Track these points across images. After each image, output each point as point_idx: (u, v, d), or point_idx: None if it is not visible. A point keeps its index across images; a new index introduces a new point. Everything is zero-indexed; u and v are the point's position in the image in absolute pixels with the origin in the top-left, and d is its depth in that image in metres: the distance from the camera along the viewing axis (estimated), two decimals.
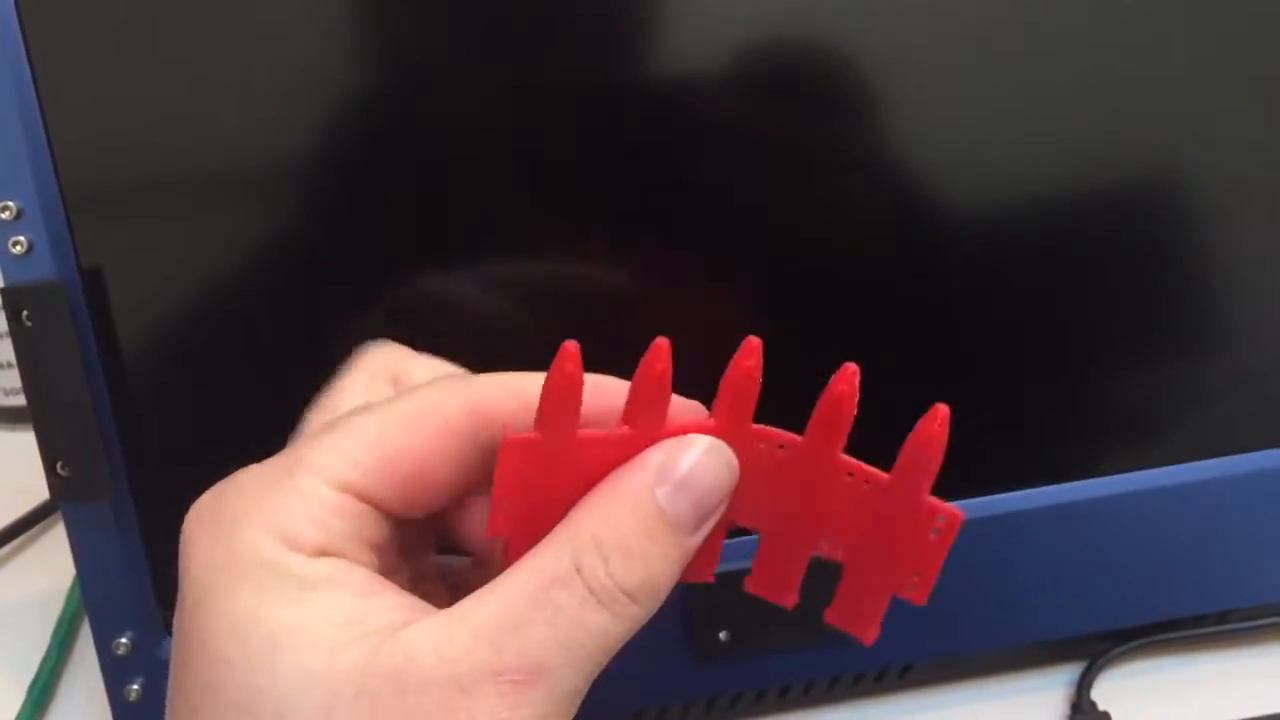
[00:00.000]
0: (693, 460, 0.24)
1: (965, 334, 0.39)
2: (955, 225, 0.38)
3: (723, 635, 0.39)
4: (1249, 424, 0.41)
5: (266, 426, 0.36)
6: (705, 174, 0.36)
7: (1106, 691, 0.42)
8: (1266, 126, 0.39)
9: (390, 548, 0.26)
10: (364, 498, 0.24)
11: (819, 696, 0.42)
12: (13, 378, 0.64)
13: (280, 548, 0.23)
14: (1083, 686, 0.42)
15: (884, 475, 0.25)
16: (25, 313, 0.34)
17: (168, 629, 0.37)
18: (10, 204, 0.34)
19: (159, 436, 0.36)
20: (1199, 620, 0.43)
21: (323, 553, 0.24)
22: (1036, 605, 0.41)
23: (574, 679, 0.23)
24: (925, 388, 0.39)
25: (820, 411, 0.25)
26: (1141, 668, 0.43)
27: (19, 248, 0.34)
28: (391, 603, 0.24)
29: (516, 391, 0.25)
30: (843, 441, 0.26)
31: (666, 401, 0.25)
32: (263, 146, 0.35)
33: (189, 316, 0.36)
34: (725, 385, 0.25)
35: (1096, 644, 0.43)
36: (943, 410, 0.25)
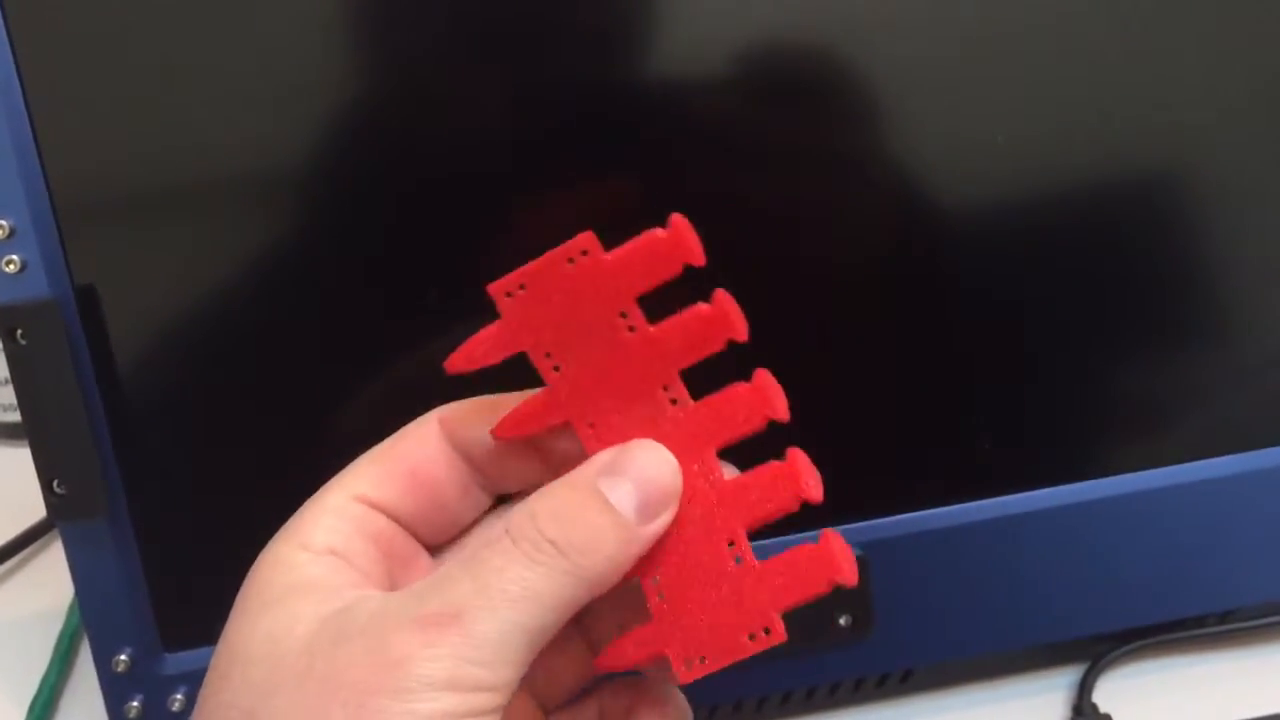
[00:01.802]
0: (634, 454, 0.26)
1: (966, 335, 0.39)
2: (955, 225, 0.38)
3: None
4: (1250, 423, 0.41)
5: (264, 441, 0.37)
6: (705, 176, 0.36)
7: (1108, 693, 0.42)
8: (1269, 122, 0.39)
9: (405, 549, 0.28)
10: (375, 505, 0.27)
11: (821, 702, 0.42)
12: (7, 394, 0.64)
13: (296, 551, 0.26)
14: (1084, 688, 0.42)
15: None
16: (19, 331, 0.34)
17: (166, 646, 0.37)
18: (3, 223, 0.34)
19: (155, 453, 0.36)
20: (1201, 620, 0.43)
21: (330, 552, 0.26)
22: (1037, 607, 0.41)
23: (491, 621, 0.24)
24: (926, 389, 0.40)
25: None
26: (1143, 669, 0.43)
27: (12, 266, 0.34)
28: (369, 590, 0.26)
29: (475, 401, 0.28)
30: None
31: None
32: (258, 159, 0.35)
33: (184, 332, 0.36)
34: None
35: (1098, 645, 0.43)
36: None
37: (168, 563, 0.37)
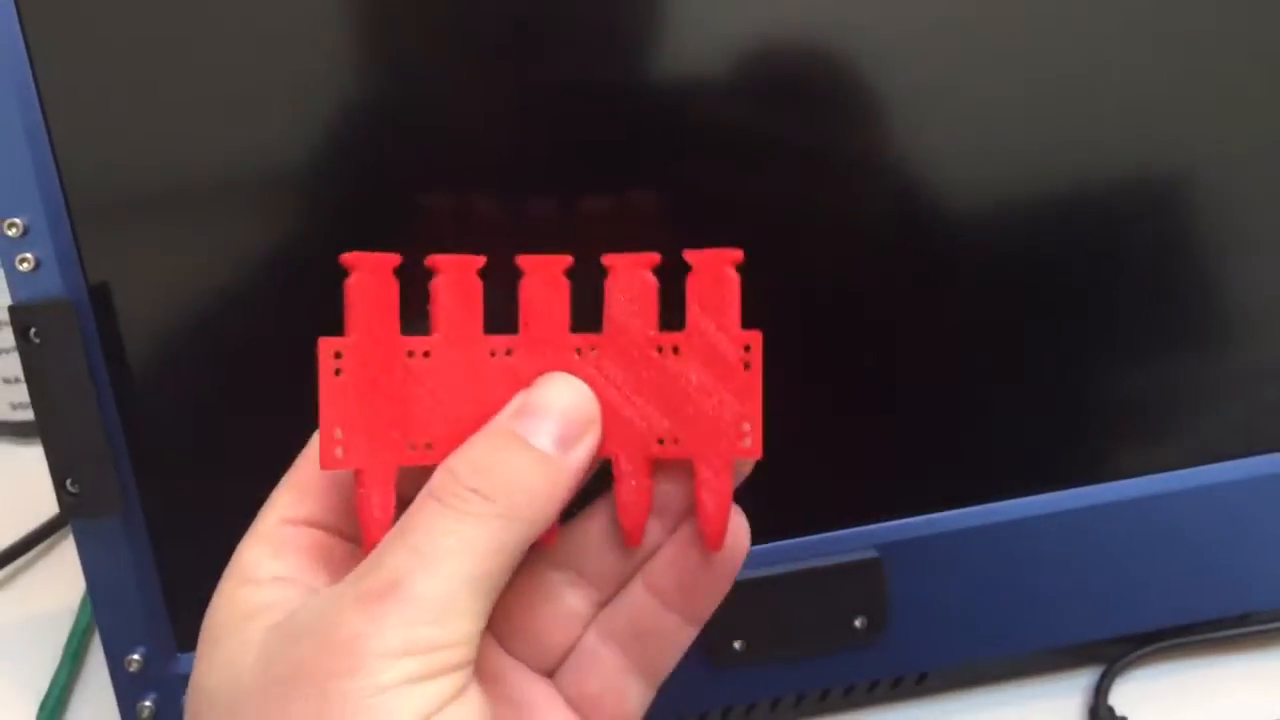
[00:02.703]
0: (541, 390, 0.26)
1: (974, 337, 0.39)
2: (963, 227, 0.38)
3: (737, 644, 0.39)
4: (1266, 426, 0.41)
5: (278, 439, 0.36)
6: (708, 178, 0.36)
7: (1125, 696, 0.42)
8: (1275, 126, 0.39)
9: (346, 554, 0.28)
10: (313, 523, 0.27)
11: (835, 704, 0.42)
12: (19, 392, 0.64)
13: (239, 587, 0.26)
14: (1100, 691, 0.41)
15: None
16: (33, 330, 0.34)
17: (180, 645, 0.37)
18: (17, 221, 0.33)
19: (168, 451, 0.36)
20: (1217, 623, 0.43)
21: (273, 579, 0.26)
22: (1053, 610, 0.41)
23: (430, 581, 0.23)
24: (935, 392, 0.39)
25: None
26: (1160, 672, 0.43)
27: (26, 265, 0.34)
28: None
29: None
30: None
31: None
32: (271, 158, 0.35)
33: (197, 331, 0.36)
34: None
35: (1114, 648, 0.42)
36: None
37: (181, 561, 0.36)
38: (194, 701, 0.25)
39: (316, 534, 0.27)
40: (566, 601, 0.28)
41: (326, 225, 0.36)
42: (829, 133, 0.37)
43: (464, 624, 0.24)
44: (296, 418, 0.36)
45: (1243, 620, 0.43)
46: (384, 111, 0.35)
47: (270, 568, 0.27)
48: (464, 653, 0.24)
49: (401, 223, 0.36)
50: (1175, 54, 0.38)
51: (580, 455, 0.26)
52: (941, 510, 0.39)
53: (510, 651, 0.28)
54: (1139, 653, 0.42)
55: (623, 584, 0.28)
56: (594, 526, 0.28)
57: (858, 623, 0.39)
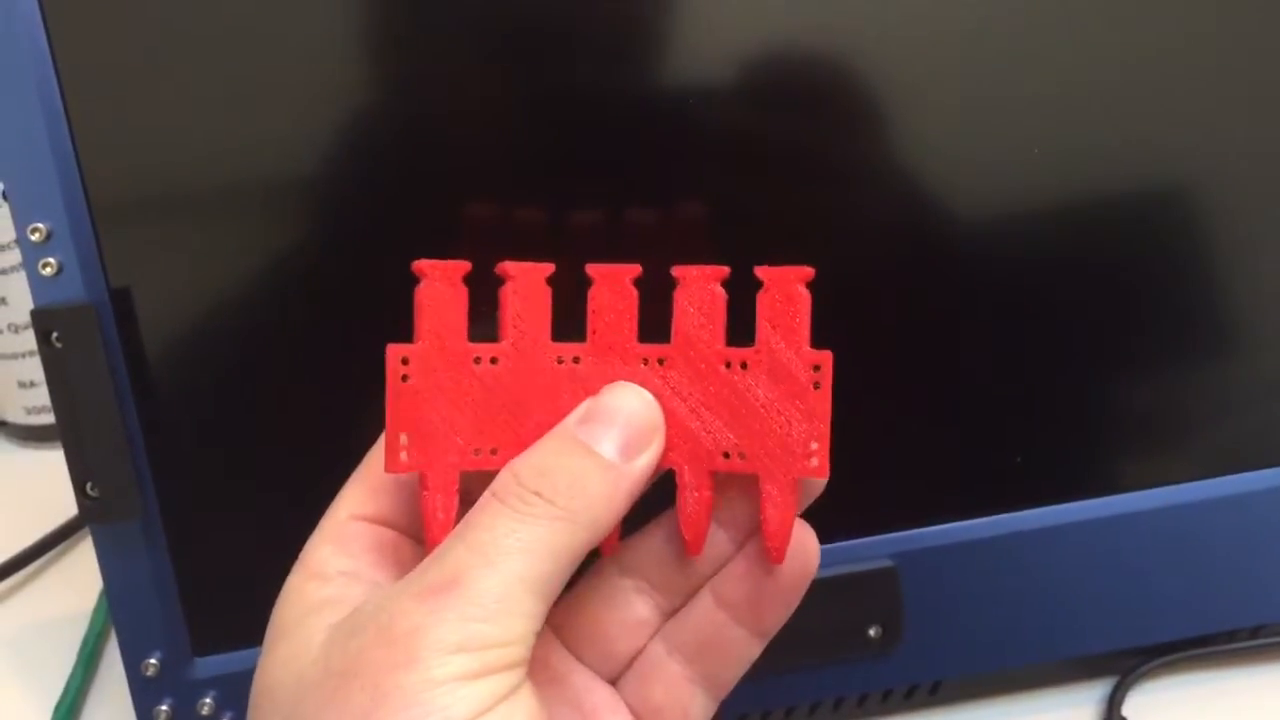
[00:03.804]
0: (607, 397, 0.26)
1: (983, 348, 0.39)
2: (970, 236, 0.38)
3: None
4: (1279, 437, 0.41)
5: (298, 444, 0.36)
6: (712, 184, 0.36)
7: (1138, 707, 0.41)
8: None
9: (414, 553, 0.28)
10: (380, 520, 0.28)
11: (848, 712, 0.42)
12: (36, 396, 0.64)
13: (306, 581, 0.27)
14: (1114, 703, 0.41)
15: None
16: (55, 334, 0.34)
17: (196, 650, 0.37)
18: (40, 226, 0.34)
19: (189, 457, 0.36)
20: (1231, 635, 0.42)
21: (340, 574, 0.27)
22: (1067, 620, 0.41)
23: (490, 578, 0.24)
24: (946, 403, 0.39)
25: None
26: (1173, 683, 0.43)
27: (49, 269, 0.34)
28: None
29: None
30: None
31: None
32: (292, 162, 0.35)
33: (219, 335, 0.36)
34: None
35: (1128, 659, 0.42)
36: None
37: (199, 566, 0.37)
38: (258, 695, 0.25)
39: (384, 531, 0.28)
40: (634, 609, 0.28)
41: (347, 228, 0.36)
42: (833, 139, 0.37)
43: (520, 624, 0.24)
44: (318, 422, 0.37)
45: (1257, 632, 0.43)
46: (405, 116, 0.35)
47: (337, 563, 0.27)
48: (518, 652, 0.24)
49: (423, 226, 0.36)
50: (1190, 67, 0.38)
51: (643, 464, 0.26)
52: (956, 521, 0.39)
53: (577, 655, 0.29)
54: (1152, 664, 0.42)
55: (690, 595, 0.28)
56: (661, 535, 0.28)
57: (872, 632, 0.39)
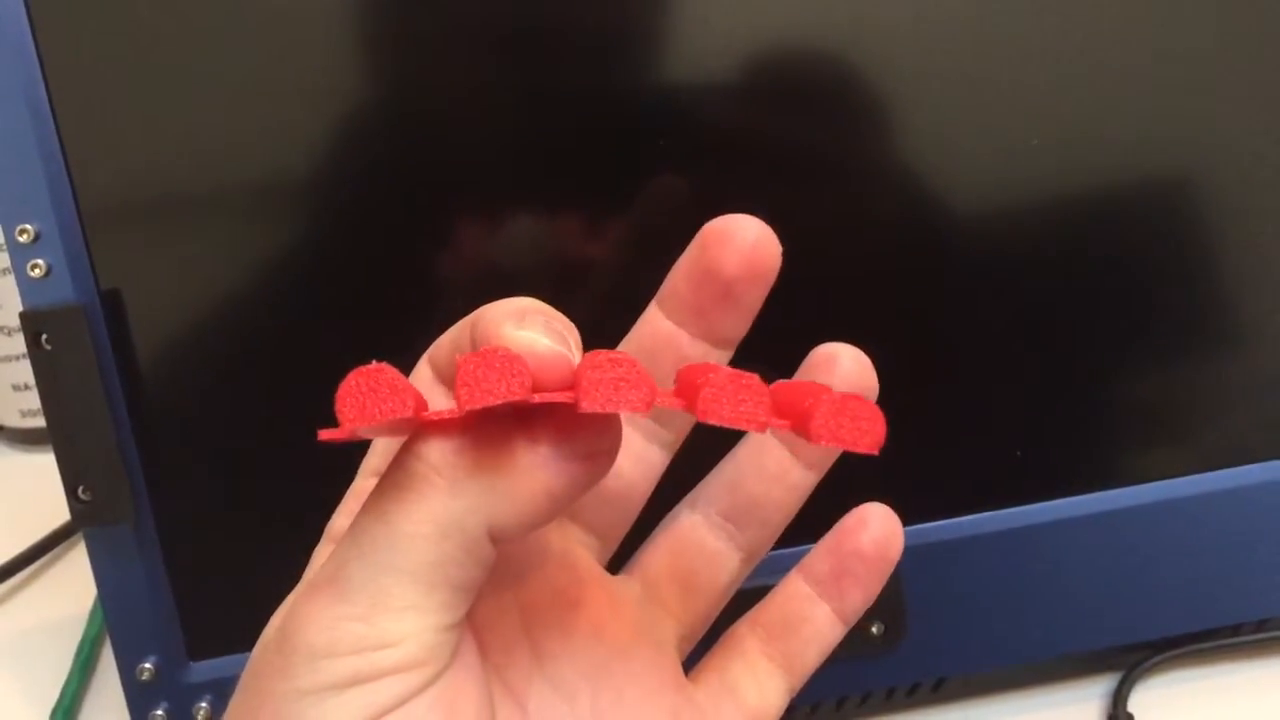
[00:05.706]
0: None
1: (989, 341, 0.39)
2: (970, 230, 0.38)
3: None
4: None
5: (291, 446, 0.36)
6: (717, 182, 0.36)
7: (1143, 702, 0.41)
8: None
9: None
10: None
11: (851, 711, 0.42)
12: (32, 399, 0.64)
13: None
14: (1118, 698, 0.41)
15: None
16: (44, 336, 0.34)
17: (191, 654, 0.37)
18: (28, 227, 0.33)
19: (180, 458, 0.36)
20: (1236, 629, 0.42)
21: None
22: (1071, 616, 0.40)
23: (362, 570, 0.21)
24: (947, 399, 0.39)
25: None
26: (1178, 678, 0.42)
27: (37, 271, 0.34)
28: None
29: None
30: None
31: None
32: (281, 164, 0.35)
33: (209, 337, 0.36)
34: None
35: (1132, 654, 0.42)
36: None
37: (194, 570, 0.36)
38: None
39: None
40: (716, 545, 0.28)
41: (337, 230, 0.36)
42: (836, 136, 0.36)
43: (408, 620, 0.20)
44: (309, 423, 0.36)
45: (1262, 626, 0.42)
46: (394, 119, 0.35)
47: None
48: (411, 651, 0.21)
49: (411, 229, 0.36)
50: (1192, 59, 0.38)
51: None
52: (958, 516, 0.39)
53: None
54: (1157, 659, 0.42)
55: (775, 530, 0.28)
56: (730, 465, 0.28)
57: (875, 629, 0.39)
